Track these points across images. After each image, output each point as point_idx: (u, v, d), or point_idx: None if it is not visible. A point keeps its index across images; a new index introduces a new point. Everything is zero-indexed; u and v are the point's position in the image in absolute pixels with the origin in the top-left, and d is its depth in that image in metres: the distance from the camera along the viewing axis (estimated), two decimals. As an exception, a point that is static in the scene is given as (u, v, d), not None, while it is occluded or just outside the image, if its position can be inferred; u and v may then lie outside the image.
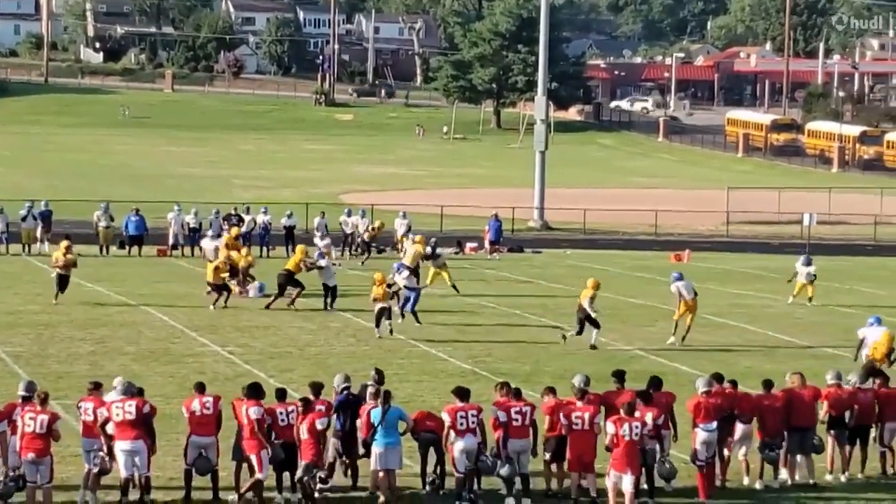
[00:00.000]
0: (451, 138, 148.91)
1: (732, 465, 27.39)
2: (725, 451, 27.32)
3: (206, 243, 54.04)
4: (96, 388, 25.57)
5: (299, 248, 50.85)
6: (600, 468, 25.25)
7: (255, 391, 25.43)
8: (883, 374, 29.63)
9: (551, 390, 26.79)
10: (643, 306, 50.66)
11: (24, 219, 63.32)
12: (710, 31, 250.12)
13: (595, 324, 40.74)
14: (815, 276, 52.06)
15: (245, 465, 25.16)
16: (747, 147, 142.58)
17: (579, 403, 26.03)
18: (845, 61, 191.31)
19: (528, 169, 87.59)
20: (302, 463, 24.85)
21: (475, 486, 25.77)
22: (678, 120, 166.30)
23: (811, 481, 27.50)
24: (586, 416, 25.66)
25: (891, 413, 28.23)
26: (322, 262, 47.85)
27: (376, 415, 25.75)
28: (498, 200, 78.57)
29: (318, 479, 24.70)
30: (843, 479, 28.04)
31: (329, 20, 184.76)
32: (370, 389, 26.49)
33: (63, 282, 46.78)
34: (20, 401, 24.62)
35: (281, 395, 25.96)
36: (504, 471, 25.53)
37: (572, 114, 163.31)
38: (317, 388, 26.10)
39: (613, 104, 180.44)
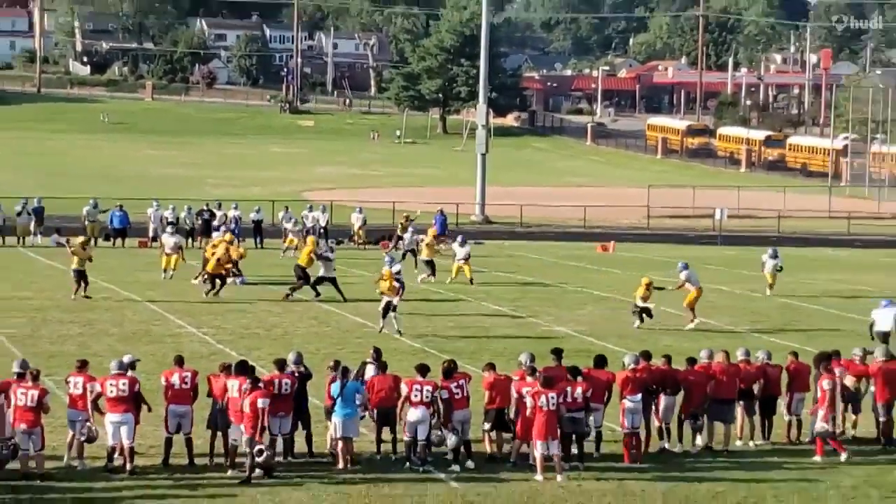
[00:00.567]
0: (403, 142, 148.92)
1: (653, 434, 27.42)
2: (655, 422, 27.37)
3: (167, 238, 53.17)
4: (83, 365, 25.68)
5: (310, 239, 51.14)
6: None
7: (243, 368, 25.50)
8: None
9: (491, 366, 26.81)
10: (574, 291, 50.72)
11: (18, 214, 63.51)
12: (632, 46, 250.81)
13: (648, 313, 42.14)
14: (781, 267, 51.25)
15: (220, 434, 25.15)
16: (665, 150, 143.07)
17: (529, 379, 26.06)
18: (752, 74, 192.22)
19: (470, 169, 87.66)
20: (245, 438, 24.71)
21: (427, 454, 25.78)
22: (604, 126, 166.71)
23: (726, 448, 27.55)
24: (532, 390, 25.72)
25: (799, 385, 28.30)
26: (331, 255, 47.42)
27: (336, 388, 25.72)
28: (444, 197, 78.59)
29: (257, 453, 24.52)
30: (752, 445, 28.07)
31: (293, 37, 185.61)
32: (369, 365, 26.81)
33: (81, 277, 44.80)
34: (14, 377, 24.73)
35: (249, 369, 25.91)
36: (451, 442, 25.58)
37: (510, 120, 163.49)
38: (281, 364, 26.10)
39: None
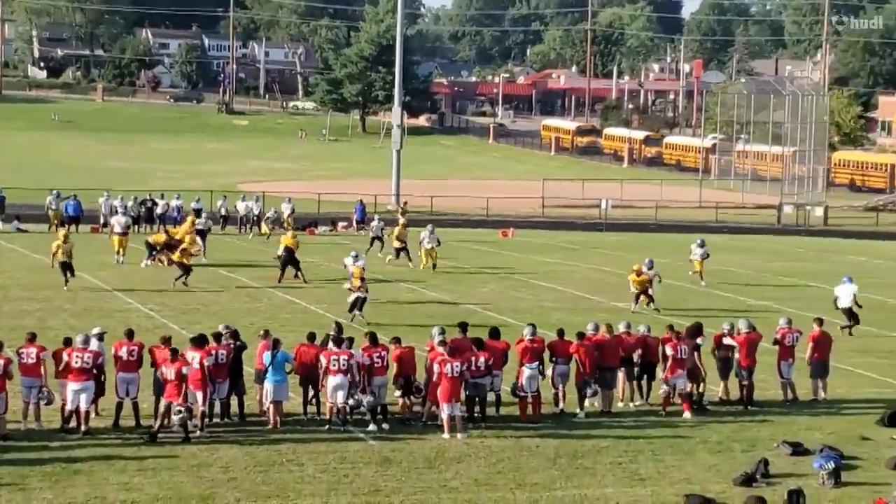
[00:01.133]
0: (327, 140, 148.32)
1: (547, 397, 27.61)
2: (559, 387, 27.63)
3: (117, 219, 52.56)
4: (33, 338, 25.74)
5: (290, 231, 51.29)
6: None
7: (200, 341, 25.57)
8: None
9: (397, 340, 26.99)
10: (477, 271, 50.85)
11: (-19, 203, 62.74)
12: (529, 56, 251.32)
13: (646, 298, 41.32)
14: (707, 255, 49.20)
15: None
16: (558, 148, 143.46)
17: (440, 349, 26.21)
18: (633, 81, 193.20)
19: (387, 164, 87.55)
20: (165, 402, 24.69)
21: (347, 416, 25.89)
22: (504, 126, 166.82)
23: (608, 409, 27.80)
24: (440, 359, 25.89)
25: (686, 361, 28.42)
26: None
27: (267, 357, 25.81)
28: (363, 189, 78.53)
29: (179, 417, 24.53)
30: (631, 406, 28.33)
31: (229, 46, 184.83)
32: (332, 336, 26.78)
33: (67, 268, 42.42)
34: (-20, 348, 24.56)
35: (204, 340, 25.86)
36: (367, 403, 25.72)
37: (422, 121, 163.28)
38: (217, 336, 26.25)
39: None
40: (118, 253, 49.99)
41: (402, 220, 53.33)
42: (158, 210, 62.06)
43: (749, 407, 28.42)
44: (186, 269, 43.69)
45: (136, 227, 60.07)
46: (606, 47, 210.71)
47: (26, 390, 25.05)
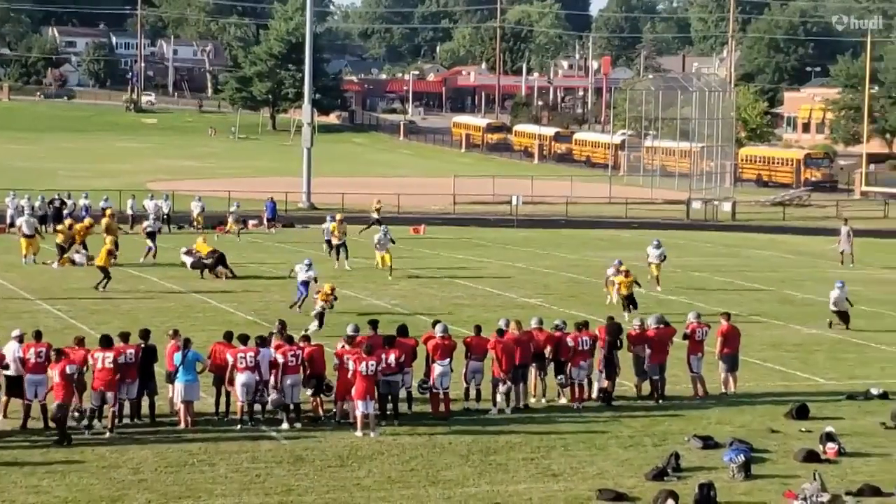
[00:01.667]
0: (237, 138, 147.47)
1: (459, 393, 27.59)
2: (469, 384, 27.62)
3: (24, 219, 51.89)
4: None
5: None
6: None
7: (107, 341, 25.42)
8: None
9: (306, 339, 26.95)
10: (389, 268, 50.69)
11: None
12: (439, 53, 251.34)
13: (633, 303, 39.58)
14: (664, 256, 46.49)
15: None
16: (469, 144, 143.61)
17: (347, 347, 26.18)
18: (543, 78, 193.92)
19: (297, 162, 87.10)
20: (55, 403, 24.45)
21: (257, 413, 25.77)
22: (415, 123, 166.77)
23: (522, 404, 27.84)
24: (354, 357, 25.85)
25: (586, 351, 28.50)
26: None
27: (178, 357, 25.59)
28: (274, 186, 78.10)
29: (73, 417, 24.36)
30: (543, 402, 28.37)
31: (136, 44, 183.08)
32: (275, 334, 26.90)
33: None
34: None
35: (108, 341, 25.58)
36: (274, 399, 25.65)
37: (332, 118, 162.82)
38: (125, 336, 25.94)
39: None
40: (25, 255, 49.35)
41: (339, 217, 52.76)
42: (67, 209, 61.41)
43: (660, 401, 28.59)
44: (107, 274, 42.74)
45: (45, 226, 59.30)
46: (516, 44, 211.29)
47: None
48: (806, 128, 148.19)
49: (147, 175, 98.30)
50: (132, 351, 25.59)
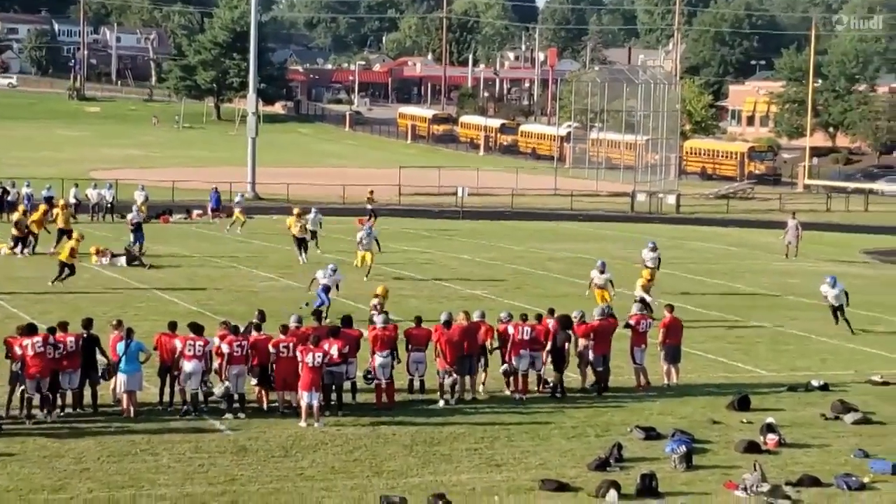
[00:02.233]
0: (181, 127, 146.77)
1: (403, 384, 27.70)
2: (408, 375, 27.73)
3: None
4: None
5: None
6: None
7: (32, 328, 25.44)
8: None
9: (257, 328, 26.95)
10: (335, 260, 50.65)
11: None
12: (384, 44, 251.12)
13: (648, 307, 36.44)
14: (660, 260, 44.01)
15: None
16: (415, 135, 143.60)
17: (283, 336, 26.25)
18: (489, 69, 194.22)
19: (242, 152, 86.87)
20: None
21: (202, 403, 25.79)
22: (361, 114, 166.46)
23: (469, 396, 27.97)
24: (290, 345, 25.92)
25: (536, 343, 28.60)
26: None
27: (120, 347, 25.58)
28: (218, 176, 77.86)
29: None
30: (481, 393, 28.41)
31: (79, 31, 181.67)
32: (255, 323, 26.96)
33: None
34: None
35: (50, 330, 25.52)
36: (218, 390, 25.70)
37: (277, 108, 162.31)
38: (63, 325, 25.98)
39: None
40: None
41: (296, 210, 51.91)
42: (10, 197, 61.13)
43: (603, 393, 28.80)
44: (73, 270, 41.58)
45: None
46: (462, 35, 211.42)
47: None
48: (750, 121, 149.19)
49: (90, 164, 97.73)
50: (73, 339, 25.52)
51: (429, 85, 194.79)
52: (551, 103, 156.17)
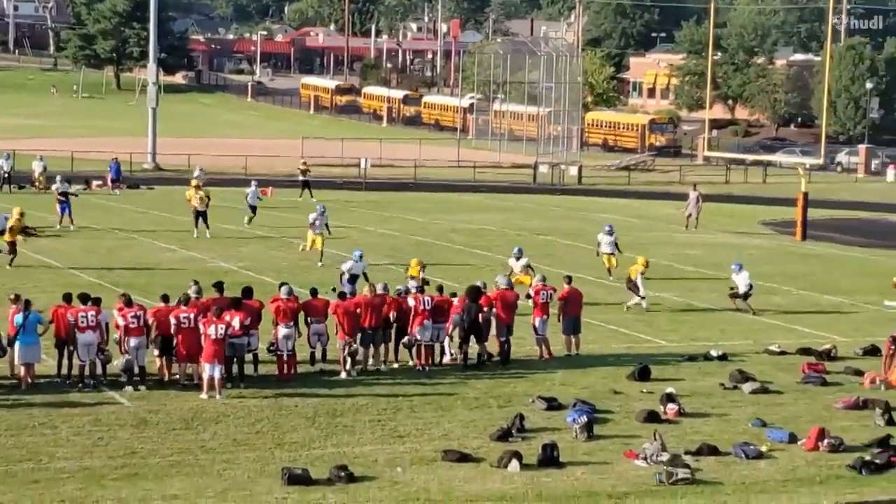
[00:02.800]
0: (80, 97, 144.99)
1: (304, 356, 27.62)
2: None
3: None
4: None
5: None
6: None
7: None
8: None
9: (164, 298, 26.75)
10: (237, 231, 50.40)
11: None
12: (287, 14, 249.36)
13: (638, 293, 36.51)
14: (616, 244, 41.69)
15: None
16: (317, 106, 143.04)
17: (184, 307, 26.06)
18: (392, 40, 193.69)
19: (143, 122, 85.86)
20: None
21: (99, 373, 25.58)
22: (263, 84, 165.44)
23: (374, 367, 27.97)
24: (192, 316, 25.71)
25: (439, 318, 28.61)
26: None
27: (18, 319, 25.27)
28: (118, 147, 77.03)
29: None
30: (384, 367, 28.42)
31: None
32: (193, 294, 26.72)
33: None
34: None
35: None
36: (119, 364, 25.49)
37: (179, 78, 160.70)
38: None
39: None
40: None
41: (194, 182, 50.78)
42: None
43: (506, 363, 28.89)
44: (14, 250, 39.85)
45: None
46: (364, 6, 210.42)
47: None
48: (651, 93, 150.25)
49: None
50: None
51: (331, 55, 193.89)
52: (454, 75, 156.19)
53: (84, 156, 76.84)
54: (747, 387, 27.35)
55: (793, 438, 23.47)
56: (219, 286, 27.78)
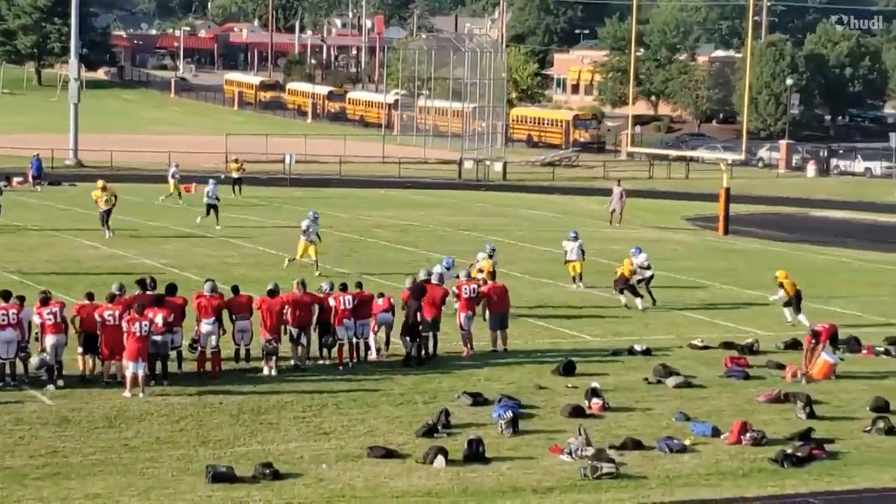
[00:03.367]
0: (1, 93, 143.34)
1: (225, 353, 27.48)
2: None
3: None
4: None
5: None
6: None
7: None
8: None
9: (89, 296, 26.51)
10: (159, 227, 50.04)
11: None
12: (210, 9, 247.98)
13: (636, 293, 36.34)
14: (583, 251, 40.04)
15: None
16: (242, 102, 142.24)
17: (109, 304, 25.82)
18: (316, 36, 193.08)
19: (64, 118, 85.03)
20: None
21: (20, 371, 25.33)
22: (186, 80, 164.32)
23: (300, 364, 27.89)
24: (116, 314, 25.52)
25: (363, 312, 28.52)
26: None
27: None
28: (40, 143, 76.16)
29: None
30: (310, 363, 28.33)
31: None
32: (116, 291, 26.50)
33: None
34: None
35: None
36: (35, 361, 25.25)
37: (101, 74, 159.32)
38: None
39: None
40: None
41: (100, 183, 49.91)
42: None
43: (431, 359, 28.87)
44: None
45: None
46: (288, 2, 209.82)
47: None
48: (575, 89, 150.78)
49: None
50: None
51: (255, 51, 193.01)
52: (379, 71, 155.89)
53: (5, 152, 75.98)
54: (671, 381, 27.52)
55: (716, 432, 23.63)
56: (142, 283, 27.53)
